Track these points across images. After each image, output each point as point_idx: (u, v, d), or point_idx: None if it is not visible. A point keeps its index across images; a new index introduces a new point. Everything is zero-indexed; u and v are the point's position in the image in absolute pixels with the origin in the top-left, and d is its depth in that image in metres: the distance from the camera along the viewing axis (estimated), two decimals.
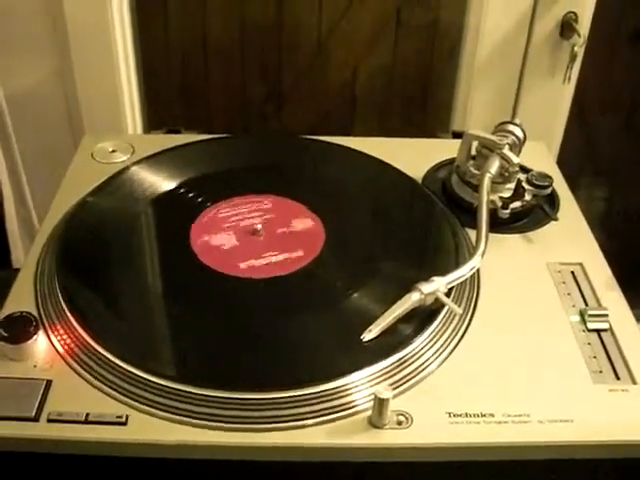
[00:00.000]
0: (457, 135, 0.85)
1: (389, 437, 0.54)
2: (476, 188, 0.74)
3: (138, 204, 0.75)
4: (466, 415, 0.56)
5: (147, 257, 0.70)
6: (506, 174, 0.74)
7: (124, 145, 0.84)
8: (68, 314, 0.61)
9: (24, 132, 1.13)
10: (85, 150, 0.84)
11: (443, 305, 0.62)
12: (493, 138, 0.75)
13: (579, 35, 1.01)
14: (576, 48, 1.02)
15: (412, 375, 0.58)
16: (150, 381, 0.56)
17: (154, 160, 0.80)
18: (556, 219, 0.75)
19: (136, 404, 0.56)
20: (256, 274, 0.67)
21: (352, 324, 0.61)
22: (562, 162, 0.91)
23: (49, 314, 0.62)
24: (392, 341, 0.60)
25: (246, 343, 0.61)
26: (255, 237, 0.71)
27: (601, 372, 0.60)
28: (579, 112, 1.15)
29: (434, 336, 0.61)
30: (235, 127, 1.27)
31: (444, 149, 0.84)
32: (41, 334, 0.60)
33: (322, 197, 0.78)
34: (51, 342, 0.60)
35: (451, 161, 0.81)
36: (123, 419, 0.54)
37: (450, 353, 0.61)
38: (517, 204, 0.75)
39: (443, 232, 0.72)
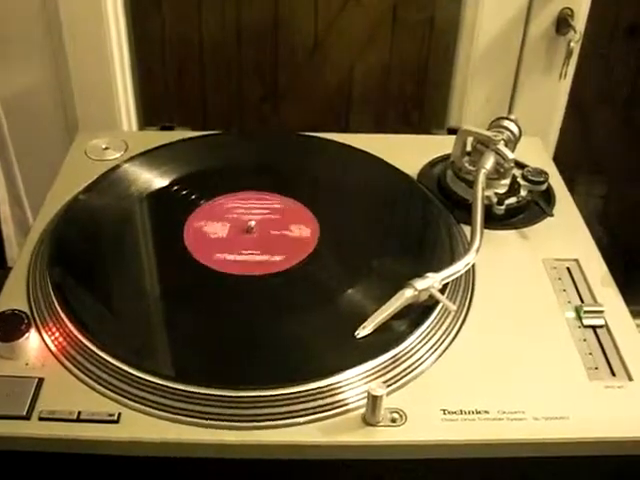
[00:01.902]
0: (452, 131, 0.85)
1: (383, 435, 0.54)
2: (471, 184, 0.73)
3: (131, 201, 0.75)
4: (461, 412, 0.56)
5: (140, 255, 0.70)
6: (501, 170, 0.74)
7: (117, 142, 0.84)
8: (60, 312, 0.61)
9: (19, 132, 1.13)
10: (78, 147, 0.84)
11: (438, 301, 0.62)
12: (488, 134, 0.74)
13: (575, 31, 1.01)
14: (572, 44, 1.02)
15: (406, 372, 0.58)
16: (142, 379, 0.56)
17: (147, 157, 0.80)
18: (552, 215, 0.75)
19: (128, 402, 0.55)
20: (249, 271, 0.67)
21: (346, 321, 0.61)
22: (558, 158, 0.91)
23: (41, 312, 0.62)
24: (386, 338, 0.59)
25: (239, 341, 0.60)
26: (249, 234, 0.71)
27: (597, 369, 0.60)
28: (575, 108, 1.14)
29: (428, 333, 0.61)
30: (231, 126, 1.27)
31: (439, 145, 0.84)
32: (33, 332, 0.60)
33: (317, 193, 0.78)
34: (43, 340, 0.60)
35: (446, 157, 0.81)
36: (115, 417, 0.54)
37: (445, 350, 0.60)
38: (512, 200, 0.75)
39: (438, 228, 0.72)
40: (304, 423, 0.54)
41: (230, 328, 0.61)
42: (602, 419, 0.56)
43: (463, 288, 0.66)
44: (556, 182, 0.80)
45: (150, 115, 1.20)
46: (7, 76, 1.08)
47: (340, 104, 1.25)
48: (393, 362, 0.58)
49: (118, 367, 0.57)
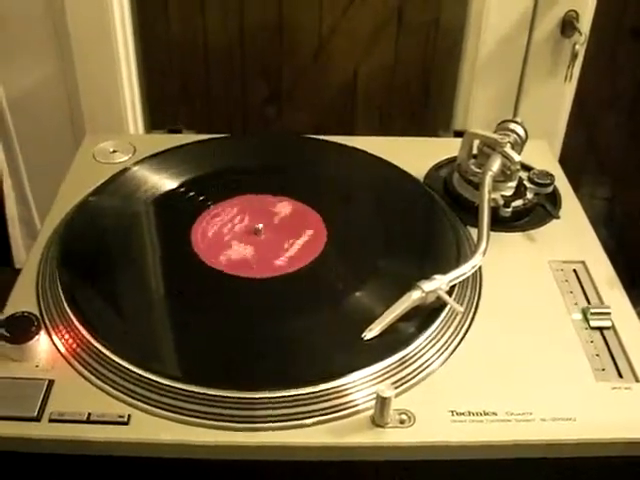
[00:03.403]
0: (459, 134, 0.85)
1: (391, 436, 0.54)
2: (478, 187, 0.73)
3: (139, 204, 0.75)
4: (468, 413, 0.56)
5: (148, 257, 0.70)
6: (508, 172, 0.74)
7: (125, 145, 0.84)
8: (70, 314, 0.61)
9: (26, 133, 1.13)
10: (86, 150, 0.84)
11: (445, 303, 0.62)
12: (494, 136, 0.74)
13: (580, 33, 1.01)
14: (577, 46, 1.02)
15: (414, 374, 0.58)
16: (152, 380, 0.56)
17: (155, 160, 0.80)
18: (558, 217, 0.75)
19: (138, 403, 0.56)
20: (258, 273, 0.67)
21: (354, 323, 0.61)
22: (564, 160, 0.91)
23: (51, 314, 0.62)
24: (394, 340, 0.60)
25: (247, 342, 0.61)
26: (256, 236, 0.71)
27: (604, 370, 0.60)
28: (581, 110, 1.15)
29: (436, 334, 0.61)
30: (236, 127, 1.27)
31: (446, 148, 0.84)
32: (43, 334, 0.60)
33: (324, 195, 0.78)
34: (53, 342, 0.60)
35: (453, 160, 0.81)
36: (125, 419, 0.54)
37: (452, 351, 0.61)
38: (519, 202, 0.75)
39: (445, 231, 0.72)
40: (313, 424, 0.55)
41: (239, 330, 0.62)
42: (609, 420, 0.56)
43: (470, 290, 0.66)
44: (562, 184, 0.80)
45: (156, 118, 1.20)
46: (14, 78, 1.09)
47: (345, 105, 1.25)
48: (401, 364, 0.58)
49: (128, 369, 0.57)
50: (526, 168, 0.78)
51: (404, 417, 0.55)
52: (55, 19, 1.03)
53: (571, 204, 0.78)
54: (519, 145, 0.76)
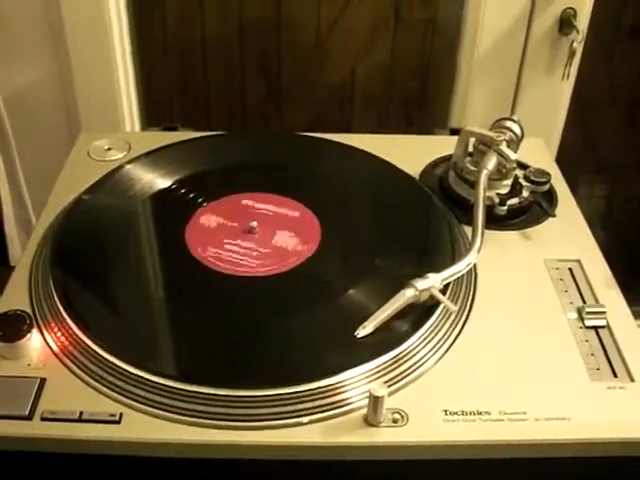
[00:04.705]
0: (455, 132, 0.85)
1: (384, 435, 0.54)
2: (473, 184, 0.73)
3: (134, 202, 0.75)
4: (462, 413, 0.55)
5: (142, 255, 0.70)
6: (503, 170, 0.74)
7: (120, 143, 0.84)
8: (62, 312, 0.61)
9: (22, 133, 1.13)
10: (81, 148, 0.84)
11: (439, 302, 0.62)
12: (490, 134, 0.74)
13: (578, 31, 1.01)
14: (575, 44, 1.02)
15: (408, 372, 0.58)
16: (144, 379, 0.56)
17: (150, 157, 0.80)
18: (554, 216, 0.75)
19: (130, 402, 0.55)
20: (251, 272, 0.67)
21: (347, 321, 0.61)
22: (561, 159, 0.91)
23: (43, 312, 0.62)
24: (387, 338, 0.59)
25: (240, 341, 0.60)
26: (251, 235, 0.71)
27: (598, 370, 0.60)
28: (578, 109, 1.14)
29: (430, 333, 0.61)
30: (234, 125, 1.27)
31: (442, 146, 0.84)
32: (35, 332, 0.60)
33: (319, 193, 0.77)
34: (45, 340, 0.60)
35: (449, 158, 0.81)
36: (117, 417, 0.54)
37: (446, 350, 0.60)
38: (514, 201, 0.75)
39: (440, 229, 0.72)
40: (305, 423, 0.54)
41: (232, 328, 0.61)
42: (604, 420, 0.55)
43: (465, 289, 0.65)
44: (558, 183, 0.80)
45: (153, 115, 1.20)
46: (10, 77, 1.08)
47: (342, 103, 1.25)
48: (394, 362, 0.58)
49: (120, 367, 0.57)
50: (522, 166, 0.78)
51: (397, 416, 0.55)
52: (51, 17, 1.03)
53: (567, 202, 0.78)
54: (515, 143, 0.76)
